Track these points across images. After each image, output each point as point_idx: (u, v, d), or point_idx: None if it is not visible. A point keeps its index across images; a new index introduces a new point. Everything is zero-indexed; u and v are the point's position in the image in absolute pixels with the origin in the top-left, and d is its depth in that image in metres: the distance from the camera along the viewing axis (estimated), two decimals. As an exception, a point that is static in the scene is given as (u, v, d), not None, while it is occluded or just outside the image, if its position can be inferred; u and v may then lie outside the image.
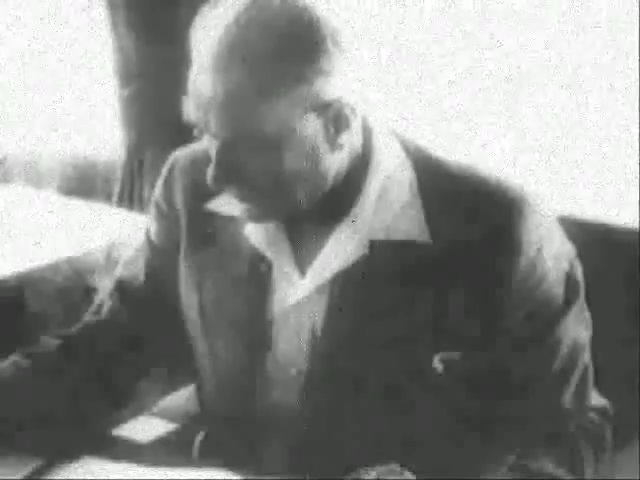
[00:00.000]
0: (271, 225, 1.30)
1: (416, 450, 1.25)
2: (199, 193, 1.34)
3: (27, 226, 2.34)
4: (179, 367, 1.51)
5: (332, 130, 1.19)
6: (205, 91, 1.16)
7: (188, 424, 1.64)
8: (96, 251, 2.23)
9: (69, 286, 2.17)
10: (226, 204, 1.31)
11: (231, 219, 1.32)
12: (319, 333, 1.28)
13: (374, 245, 1.26)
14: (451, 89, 2.29)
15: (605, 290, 1.43)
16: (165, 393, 1.78)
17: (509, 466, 1.21)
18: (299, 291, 1.29)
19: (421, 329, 1.25)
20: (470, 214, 1.23)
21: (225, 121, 1.16)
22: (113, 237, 2.27)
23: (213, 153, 1.20)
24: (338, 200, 1.26)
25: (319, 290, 1.28)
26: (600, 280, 1.35)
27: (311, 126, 1.17)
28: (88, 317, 1.47)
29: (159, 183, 1.43)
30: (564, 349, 1.26)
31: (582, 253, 1.30)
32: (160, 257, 1.43)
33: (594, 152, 2.16)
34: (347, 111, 1.18)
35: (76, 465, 1.27)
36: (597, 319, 1.31)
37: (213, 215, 1.35)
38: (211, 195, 1.33)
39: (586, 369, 1.30)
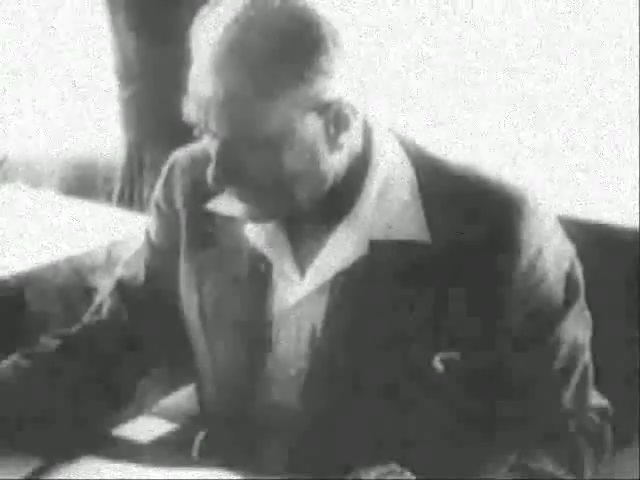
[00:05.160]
0: (271, 225, 1.30)
1: (416, 450, 1.25)
2: (199, 193, 1.35)
3: (27, 226, 2.34)
4: (179, 367, 1.51)
5: (332, 130, 1.19)
6: (205, 91, 1.16)
7: (188, 424, 1.64)
8: (96, 251, 2.23)
9: (69, 286, 2.16)
10: (226, 204, 1.31)
11: (231, 219, 1.32)
12: (319, 333, 1.28)
13: (374, 245, 1.26)
14: (449, 88, 2.29)
15: (605, 290, 1.43)
16: (165, 393, 1.78)
17: (509, 466, 1.21)
18: (299, 291, 1.29)
19: (421, 329, 1.25)
20: (470, 214, 1.24)
21: (225, 121, 1.16)
22: (113, 237, 2.27)
23: (213, 153, 1.20)
24: (338, 200, 1.26)
25: (319, 290, 1.28)
26: (600, 280, 1.35)
27: (311, 126, 1.17)
28: (88, 317, 1.47)
29: (159, 183, 1.43)
30: (564, 349, 1.27)
31: (582, 253, 1.30)
32: (160, 257, 1.43)
33: (594, 152, 2.16)
34: (347, 111, 1.18)
35: (76, 465, 1.27)
36: (597, 319, 1.31)
37: (213, 215, 1.35)
38: (211, 195, 1.33)
39: (586, 369, 1.30)
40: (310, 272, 1.29)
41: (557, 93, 2.18)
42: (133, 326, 1.43)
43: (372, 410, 1.28)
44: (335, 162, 1.22)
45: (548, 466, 1.22)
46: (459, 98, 2.29)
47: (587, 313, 1.31)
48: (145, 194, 2.71)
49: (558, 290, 1.26)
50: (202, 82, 1.16)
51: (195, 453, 1.46)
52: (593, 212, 1.67)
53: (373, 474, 1.15)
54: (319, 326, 1.28)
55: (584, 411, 1.30)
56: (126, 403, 1.47)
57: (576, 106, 2.16)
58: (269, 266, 1.31)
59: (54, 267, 2.15)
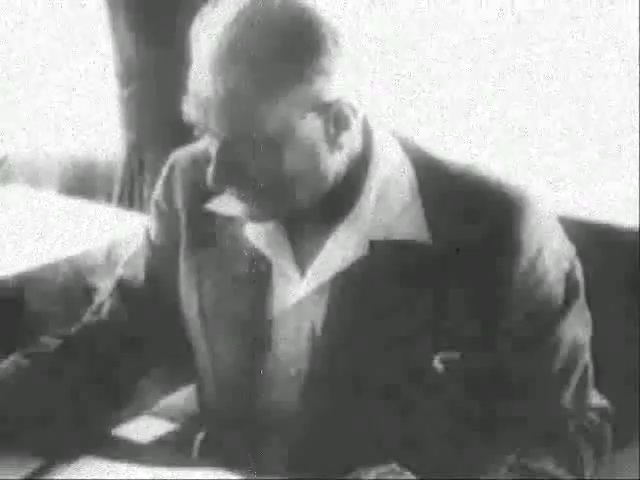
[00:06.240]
0: (271, 225, 1.30)
1: (416, 450, 1.25)
2: (199, 193, 1.34)
3: (27, 226, 2.34)
4: (179, 367, 1.51)
5: (332, 130, 1.19)
6: (205, 91, 1.16)
7: (188, 424, 1.64)
8: (96, 251, 2.23)
9: (69, 286, 2.16)
10: (226, 204, 1.31)
11: (231, 219, 1.32)
12: (319, 333, 1.28)
13: (374, 245, 1.26)
14: (449, 87, 2.29)
15: (605, 290, 1.43)
16: (165, 393, 1.78)
17: (509, 466, 1.21)
18: (299, 291, 1.29)
19: (421, 329, 1.25)
20: (470, 214, 1.23)
21: (225, 121, 1.16)
22: (113, 237, 2.27)
23: (213, 153, 1.20)
24: (338, 200, 1.26)
25: (319, 290, 1.28)
26: (600, 280, 1.35)
27: (311, 126, 1.17)
28: (88, 317, 1.47)
29: (159, 183, 1.43)
30: (564, 349, 1.26)
31: (582, 253, 1.30)
32: (160, 257, 1.43)
33: (594, 152, 2.16)
34: (347, 111, 1.18)
35: (76, 465, 1.27)
36: (597, 319, 1.31)
37: (213, 215, 1.35)
38: (211, 195, 1.33)
39: (586, 369, 1.30)
40: (310, 272, 1.29)
41: (557, 93, 2.18)
42: (133, 326, 1.43)
43: (372, 410, 1.28)
44: (335, 162, 1.22)
45: (548, 466, 1.22)
46: (459, 98, 2.29)
47: (587, 313, 1.31)
48: (145, 194, 2.71)
49: (558, 290, 1.26)
50: (202, 82, 1.16)
51: (195, 453, 1.46)
52: (593, 212, 1.67)
53: (373, 474, 1.15)
54: (319, 326, 1.28)
55: (584, 411, 1.30)
56: (126, 403, 1.47)
57: (576, 106, 2.16)
58: (269, 266, 1.31)
59: (54, 267, 2.15)
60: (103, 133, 2.84)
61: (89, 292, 2.13)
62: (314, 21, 1.14)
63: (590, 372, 1.31)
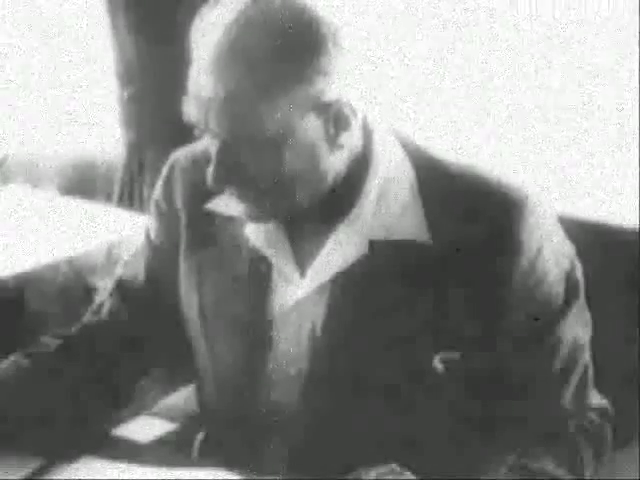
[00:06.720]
0: (271, 225, 1.30)
1: (416, 450, 1.25)
2: (199, 193, 1.34)
3: (27, 226, 2.34)
4: (179, 367, 1.51)
5: (332, 130, 1.19)
6: (205, 91, 1.16)
7: (188, 424, 1.64)
8: (96, 251, 2.23)
9: (69, 286, 2.16)
10: (226, 204, 1.31)
11: (231, 219, 1.32)
12: (319, 333, 1.28)
13: (374, 245, 1.26)
14: (449, 86, 2.29)
15: (605, 290, 1.43)
16: (165, 393, 1.78)
17: (509, 466, 1.21)
18: (299, 291, 1.29)
19: (421, 329, 1.25)
20: (470, 214, 1.23)
21: (225, 121, 1.16)
22: (113, 237, 2.27)
23: (213, 153, 1.20)
24: (338, 200, 1.26)
25: (319, 290, 1.28)
26: (600, 280, 1.35)
27: (311, 126, 1.17)
28: (88, 317, 1.47)
29: (159, 183, 1.43)
30: (564, 349, 1.27)
31: (582, 253, 1.30)
32: (160, 257, 1.43)
33: (594, 152, 2.16)
34: (347, 111, 1.18)
35: (76, 465, 1.27)
36: (597, 319, 1.31)
37: (213, 215, 1.35)
38: (211, 195, 1.33)
39: (586, 369, 1.30)
40: (310, 272, 1.28)
41: (558, 93, 2.18)
42: (133, 326, 1.43)
43: (372, 410, 1.28)
44: (335, 162, 1.22)
45: (548, 466, 1.22)
46: (460, 98, 2.29)
47: (587, 313, 1.31)
48: (145, 194, 2.71)
49: (558, 290, 1.26)
50: (202, 82, 1.16)
51: (195, 453, 1.46)
52: (593, 212, 1.68)
53: (373, 474, 1.15)
54: (319, 326, 1.28)
55: (584, 411, 1.30)
56: (126, 403, 1.47)
57: (576, 106, 2.17)
58: (269, 266, 1.31)
59: (54, 267, 2.15)
60: (103, 133, 2.84)
61: (89, 292, 2.13)
62: (314, 21, 1.14)
63: (590, 372, 1.31)
